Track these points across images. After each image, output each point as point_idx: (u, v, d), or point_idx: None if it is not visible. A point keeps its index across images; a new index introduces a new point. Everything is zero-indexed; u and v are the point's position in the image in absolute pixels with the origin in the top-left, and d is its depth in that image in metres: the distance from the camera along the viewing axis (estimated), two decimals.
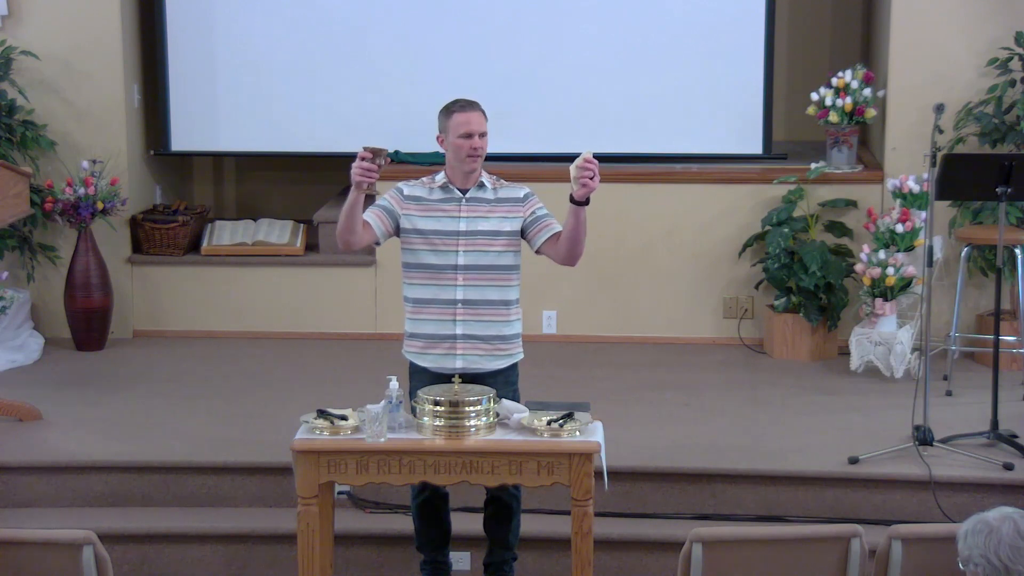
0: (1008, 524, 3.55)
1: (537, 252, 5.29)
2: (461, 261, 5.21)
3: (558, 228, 5.23)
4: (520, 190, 5.31)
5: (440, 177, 5.30)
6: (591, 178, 4.95)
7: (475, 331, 5.23)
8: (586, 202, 5.04)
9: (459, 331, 5.23)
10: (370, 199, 5.24)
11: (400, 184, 5.35)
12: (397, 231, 5.28)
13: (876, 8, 8.50)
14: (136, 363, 7.72)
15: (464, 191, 5.26)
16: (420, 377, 5.29)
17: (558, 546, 5.66)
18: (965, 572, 3.60)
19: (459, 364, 5.24)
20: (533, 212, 5.26)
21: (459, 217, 5.24)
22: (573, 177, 4.99)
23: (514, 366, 5.36)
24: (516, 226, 5.25)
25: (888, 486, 5.96)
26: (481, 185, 5.27)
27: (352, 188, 5.06)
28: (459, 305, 5.22)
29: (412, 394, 5.22)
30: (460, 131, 5.21)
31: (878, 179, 7.87)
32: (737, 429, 6.56)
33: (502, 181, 5.35)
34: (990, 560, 3.53)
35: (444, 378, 5.18)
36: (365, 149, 5.01)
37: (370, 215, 5.25)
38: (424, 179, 5.34)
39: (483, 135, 5.23)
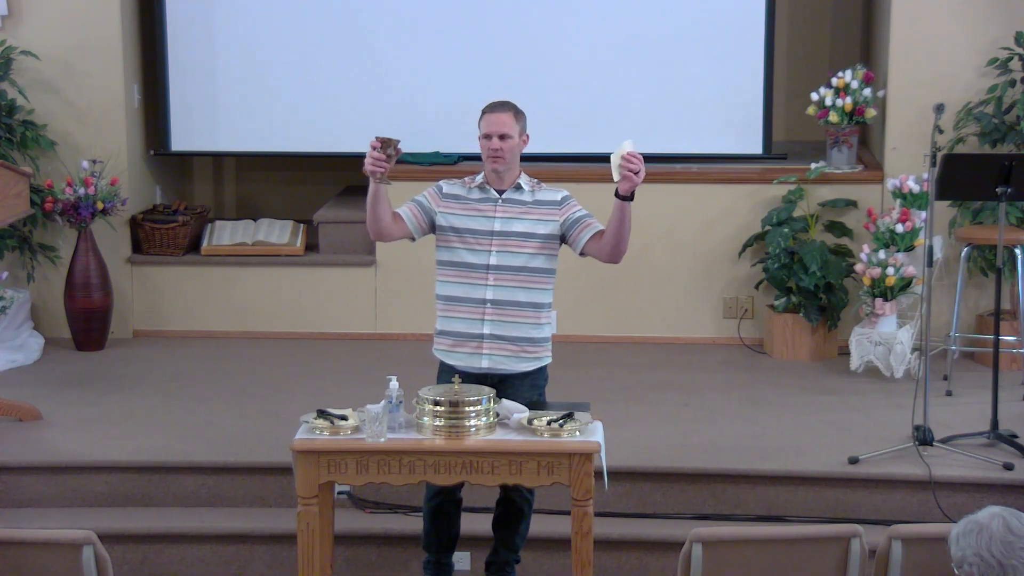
0: (998, 521, 3.57)
1: (581, 254, 5.27)
2: (493, 261, 5.23)
3: (600, 227, 5.22)
4: (558, 193, 5.32)
5: (479, 177, 5.34)
6: (635, 172, 4.92)
7: (502, 332, 5.24)
8: (631, 197, 5.01)
9: (486, 331, 5.24)
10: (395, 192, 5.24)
11: (441, 182, 5.39)
12: (433, 228, 5.30)
13: (876, 8, 8.50)
14: (136, 363, 7.72)
15: (500, 192, 5.27)
16: (447, 376, 5.29)
17: (558, 546, 5.66)
18: (959, 575, 3.61)
19: (485, 364, 5.25)
20: (571, 215, 5.25)
21: (494, 217, 5.25)
22: (615, 170, 4.94)
23: (541, 369, 5.35)
24: (551, 230, 5.25)
25: (888, 486, 5.97)
26: (518, 187, 5.28)
27: (370, 180, 5.12)
28: (488, 305, 5.23)
29: None
30: (482, 132, 5.27)
31: (878, 179, 7.87)
32: (737, 429, 6.56)
33: (542, 184, 5.36)
34: (984, 558, 3.54)
35: (472, 377, 5.19)
36: (376, 139, 5.06)
37: (404, 209, 5.30)
38: (466, 179, 5.37)
39: (504, 137, 5.23)
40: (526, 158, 7.92)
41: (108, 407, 6.91)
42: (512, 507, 5.43)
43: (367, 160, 5.06)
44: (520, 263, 5.23)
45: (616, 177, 4.98)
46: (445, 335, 5.32)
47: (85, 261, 7.89)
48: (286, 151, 8.64)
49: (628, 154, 4.93)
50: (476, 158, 7.18)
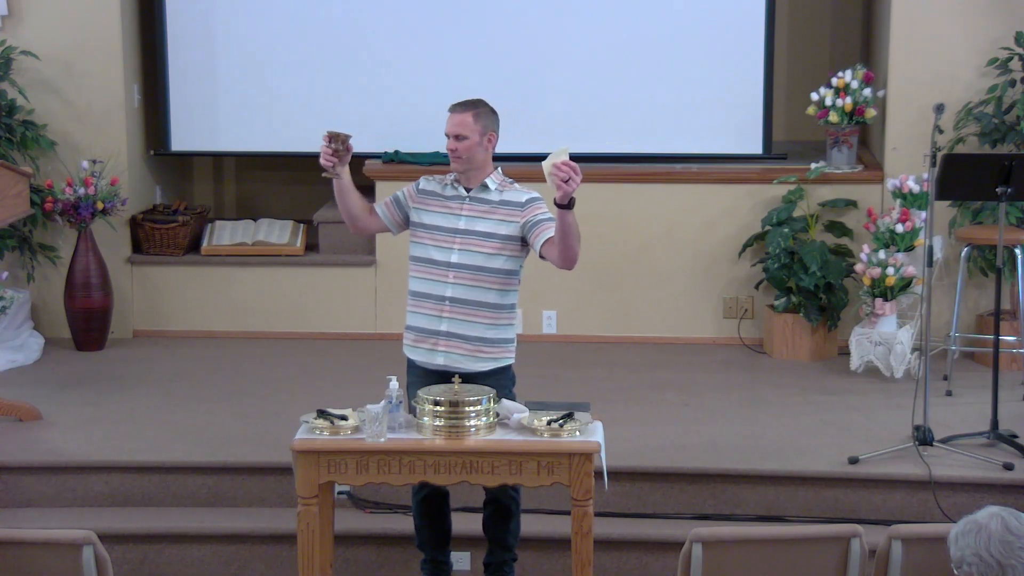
0: (996, 521, 3.58)
1: (541, 257, 5.25)
2: (454, 259, 5.23)
3: (554, 232, 5.18)
4: (524, 195, 5.29)
5: (452, 175, 5.34)
6: (566, 180, 4.85)
7: (459, 330, 5.23)
8: (569, 205, 4.94)
9: (444, 328, 5.24)
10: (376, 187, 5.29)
11: (422, 178, 5.42)
12: (408, 223, 5.34)
13: (876, 8, 8.50)
14: (136, 363, 7.72)
15: (469, 190, 5.27)
16: (413, 371, 5.34)
17: (558, 546, 5.66)
18: (958, 575, 3.61)
19: (440, 361, 5.25)
20: (531, 217, 5.22)
21: (460, 215, 5.26)
22: (547, 179, 4.89)
23: (503, 371, 5.32)
24: (512, 231, 5.23)
25: (888, 486, 5.97)
26: (484, 186, 5.27)
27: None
28: (447, 302, 5.24)
29: (410, 388, 5.25)
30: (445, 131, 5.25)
31: (878, 179, 7.88)
32: (737, 429, 6.56)
33: (515, 185, 5.33)
34: (982, 558, 3.55)
35: (431, 373, 5.20)
36: (326, 134, 5.19)
37: (379, 203, 5.40)
38: (447, 175, 5.36)
39: (459, 137, 5.22)
40: (528, 158, 8.00)
41: (108, 407, 6.91)
42: (499, 507, 5.43)
43: (320, 156, 5.17)
44: (479, 263, 5.22)
45: (549, 184, 4.94)
46: (409, 330, 5.34)
47: (85, 261, 7.89)
48: (286, 151, 8.63)
49: (561, 163, 4.85)
50: None
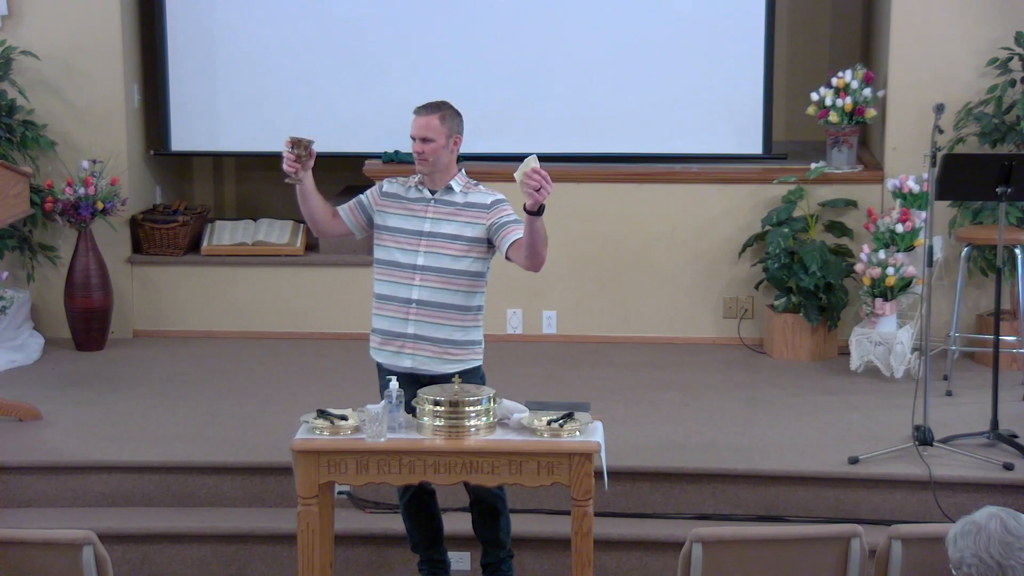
0: (995, 521, 3.58)
1: (507, 259, 5.22)
2: (420, 261, 5.22)
3: (520, 235, 5.14)
4: (489, 197, 5.27)
5: (417, 177, 5.32)
6: (537, 189, 4.84)
7: (426, 332, 5.22)
8: (539, 212, 4.94)
9: (410, 330, 5.23)
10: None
11: (384, 180, 5.41)
12: (372, 225, 5.34)
13: (876, 8, 8.51)
14: (136, 363, 7.72)
15: (434, 192, 5.27)
16: (381, 375, 5.32)
17: (558, 546, 5.66)
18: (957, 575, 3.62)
19: (407, 363, 5.25)
20: (498, 219, 5.20)
21: (425, 217, 5.25)
22: (520, 186, 4.88)
23: (471, 373, 5.30)
24: (478, 233, 5.22)
25: (888, 486, 5.97)
26: (449, 188, 5.27)
27: None
28: (413, 305, 5.23)
29: (380, 391, 5.24)
30: (410, 133, 5.26)
31: (878, 179, 7.88)
32: (737, 429, 6.56)
33: (480, 187, 5.31)
34: (982, 559, 3.55)
35: (399, 376, 5.17)
36: (288, 140, 5.20)
37: (343, 206, 5.39)
38: (410, 177, 5.35)
39: (426, 140, 5.20)
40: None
41: (108, 407, 6.91)
42: (485, 507, 5.43)
43: (283, 162, 5.19)
44: (445, 265, 5.21)
45: (521, 191, 4.93)
46: (375, 332, 5.33)
47: (85, 261, 7.90)
48: None
49: (532, 170, 4.85)
50: (471, 158, 7.19)
